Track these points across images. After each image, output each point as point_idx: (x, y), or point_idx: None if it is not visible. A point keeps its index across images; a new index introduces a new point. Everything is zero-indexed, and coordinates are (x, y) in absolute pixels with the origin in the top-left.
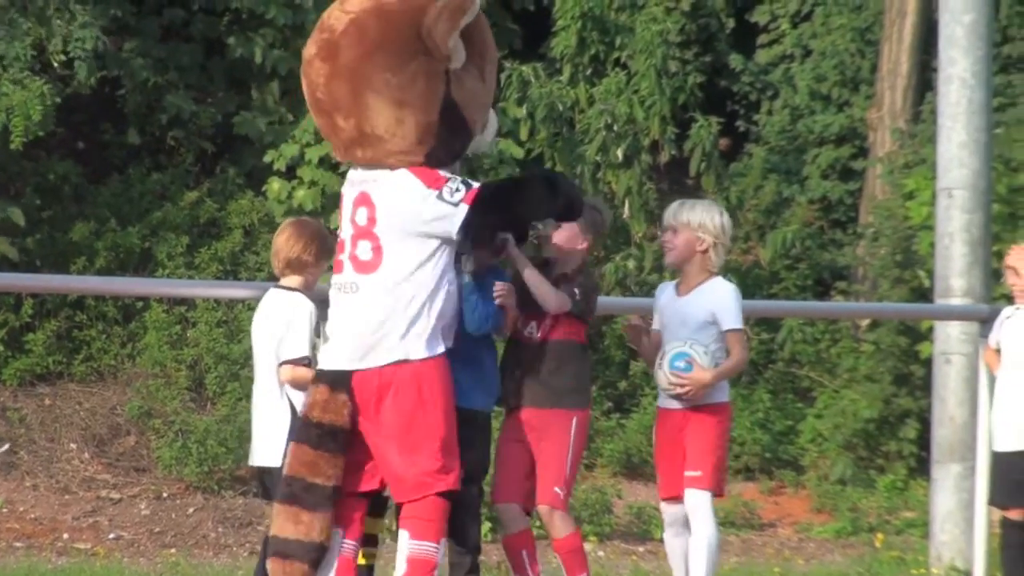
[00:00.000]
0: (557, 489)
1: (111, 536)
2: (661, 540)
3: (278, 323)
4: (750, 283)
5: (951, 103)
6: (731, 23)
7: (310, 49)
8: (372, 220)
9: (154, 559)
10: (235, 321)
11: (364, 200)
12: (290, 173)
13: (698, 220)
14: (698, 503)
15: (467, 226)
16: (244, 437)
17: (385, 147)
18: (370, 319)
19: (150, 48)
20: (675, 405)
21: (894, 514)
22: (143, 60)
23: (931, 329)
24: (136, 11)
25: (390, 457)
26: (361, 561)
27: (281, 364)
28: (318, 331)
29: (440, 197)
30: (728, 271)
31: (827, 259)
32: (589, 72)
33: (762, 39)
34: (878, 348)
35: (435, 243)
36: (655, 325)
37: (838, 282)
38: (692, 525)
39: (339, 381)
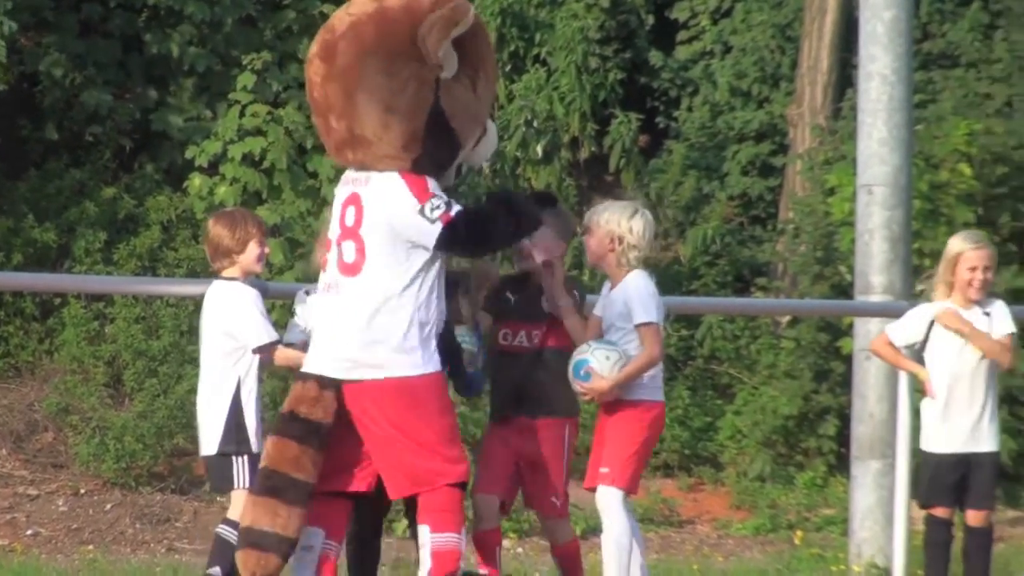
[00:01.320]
0: (554, 499)
1: (28, 532)
2: (580, 536)
3: (222, 315)
4: (670, 279)
5: (871, 99)
6: (651, 20)
7: (313, 48)
8: (359, 221)
9: (72, 556)
10: (153, 317)
11: (353, 200)
12: (212, 169)
13: (606, 220)
14: (607, 501)
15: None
16: (162, 433)
17: (373, 151)
18: (353, 323)
19: (68, 44)
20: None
21: (813, 511)
22: (61, 56)
23: (851, 325)
24: (54, 6)
25: (394, 458)
26: None
27: (255, 352)
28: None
29: (421, 211)
30: (648, 267)
31: (747, 255)
32: (509, 68)
33: (682, 36)
34: (798, 344)
35: (420, 253)
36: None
37: (758, 278)
38: (603, 523)
39: (329, 383)
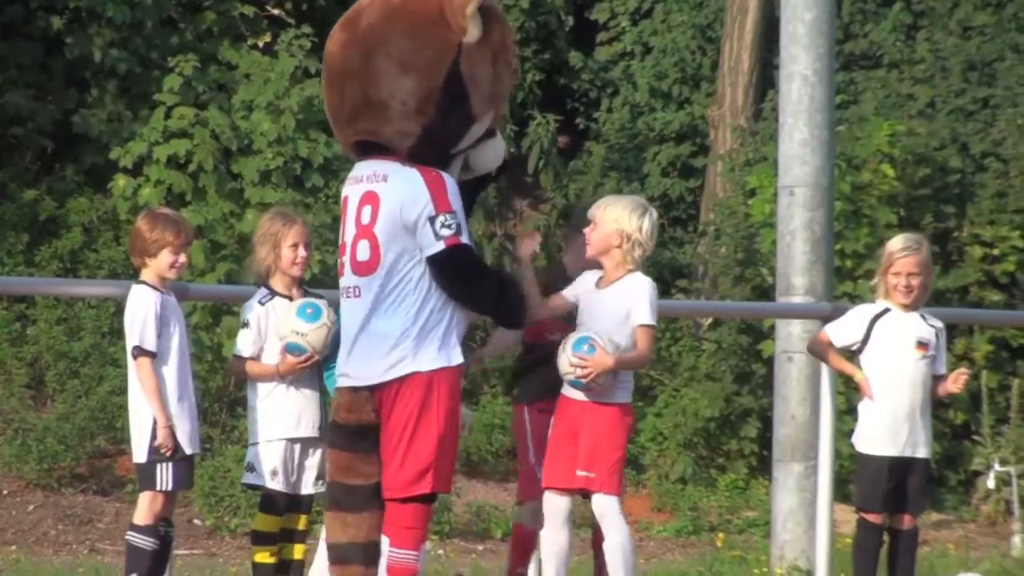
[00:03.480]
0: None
1: None
2: (501, 539)
3: (125, 317)
4: None
5: (792, 100)
6: (570, 21)
7: (335, 26)
8: (374, 219)
9: None
10: (75, 319)
11: (370, 199)
12: (136, 171)
13: (614, 216)
14: (607, 508)
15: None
16: (84, 435)
17: (386, 114)
18: (377, 327)
19: None
20: (578, 396)
21: (735, 513)
22: None
23: (773, 327)
24: None
25: (386, 455)
26: (298, 556)
27: (133, 355)
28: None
29: (432, 220)
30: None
31: (668, 257)
32: None
33: (602, 36)
34: (719, 347)
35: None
36: (570, 298)
37: (679, 280)
38: (604, 530)
39: (362, 387)
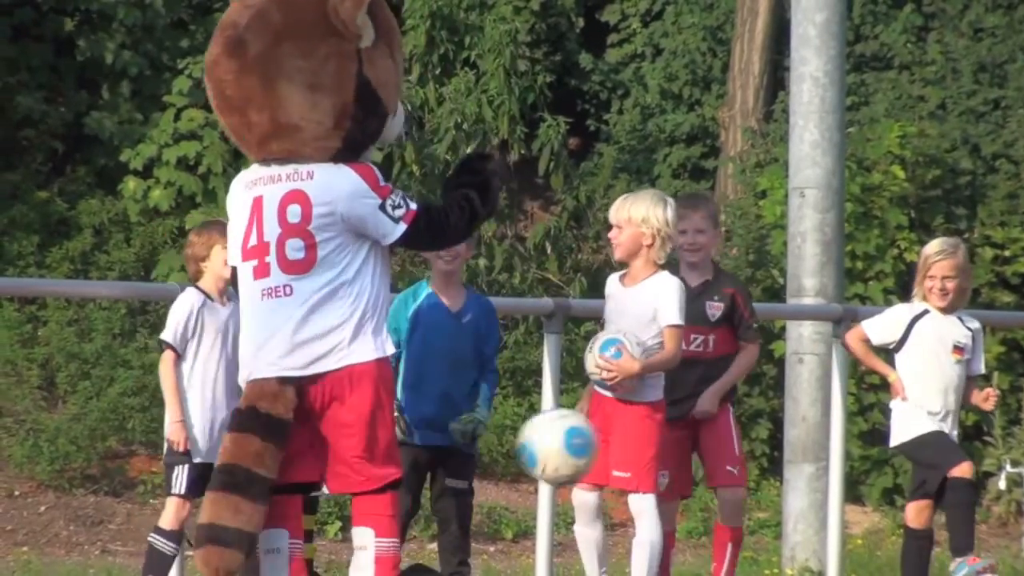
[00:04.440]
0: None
1: None
2: (512, 540)
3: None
4: (601, 283)
5: (803, 102)
6: (581, 22)
7: (214, 50)
8: (307, 217)
9: (6, 557)
10: (86, 320)
11: (297, 197)
12: (146, 173)
13: (641, 215)
14: (643, 507)
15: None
16: (95, 436)
17: (301, 135)
18: (312, 321)
19: (0, 48)
20: (608, 393)
21: (747, 514)
22: None
23: (784, 329)
24: None
25: (346, 451)
26: (309, 555)
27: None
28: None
29: (383, 208)
30: (578, 270)
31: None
32: (439, 71)
33: (612, 38)
34: None
35: (369, 242)
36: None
37: None
38: (638, 528)
39: (289, 380)
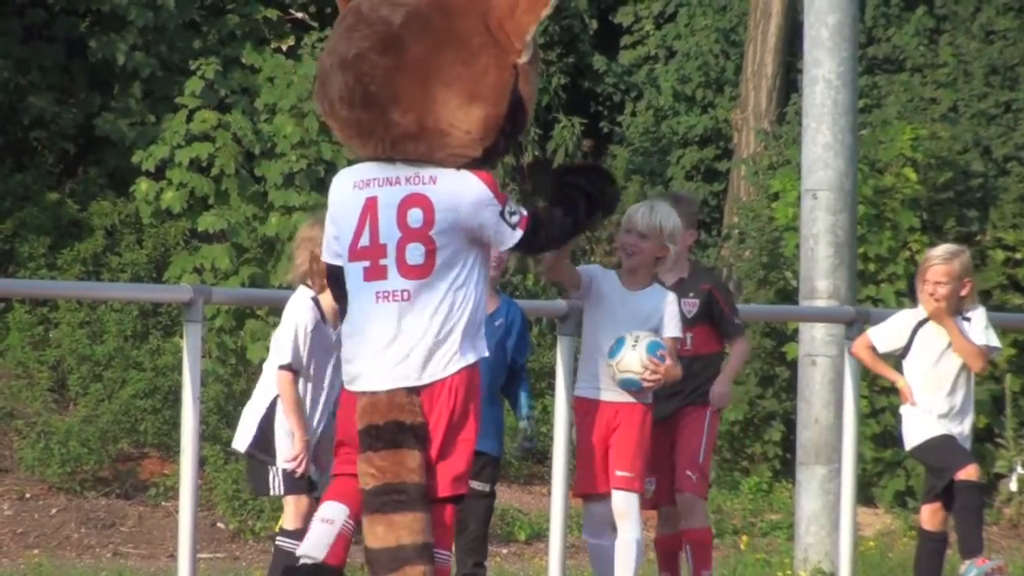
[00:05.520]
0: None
1: None
2: (525, 542)
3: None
4: None
5: (816, 104)
6: (594, 24)
7: (359, 44)
8: (429, 222)
9: (17, 560)
10: (98, 322)
11: (419, 201)
12: (158, 174)
13: (669, 229)
14: (630, 506)
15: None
16: (107, 438)
17: (445, 141)
18: (432, 328)
19: (12, 48)
20: (610, 397)
21: (759, 516)
22: (4, 61)
23: (796, 331)
24: None
25: (448, 455)
26: None
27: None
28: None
29: (503, 215)
30: None
31: (691, 260)
32: None
33: (626, 40)
34: None
35: (480, 246)
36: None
37: None
38: (621, 527)
39: (411, 389)
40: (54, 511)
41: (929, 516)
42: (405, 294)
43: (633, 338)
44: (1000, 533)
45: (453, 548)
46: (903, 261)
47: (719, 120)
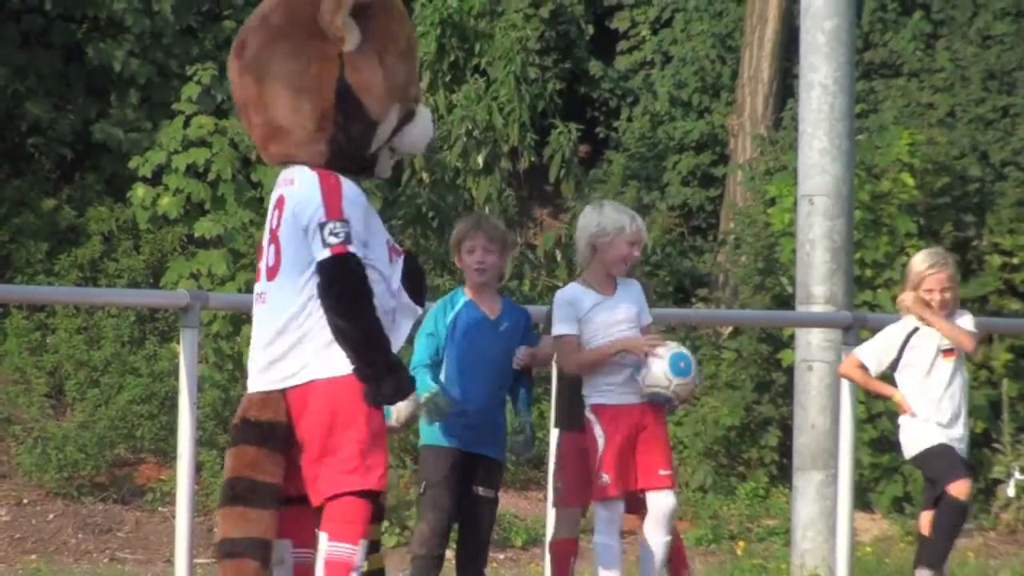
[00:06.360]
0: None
1: None
2: (522, 547)
3: None
4: None
5: (812, 109)
6: (591, 30)
7: (230, 54)
8: (279, 223)
9: (15, 565)
10: (95, 328)
11: (280, 202)
12: (155, 180)
13: (645, 228)
14: (674, 505)
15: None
16: (104, 444)
17: (291, 139)
18: (286, 330)
19: (9, 54)
20: (634, 400)
21: (755, 522)
22: (1, 67)
23: (793, 336)
24: None
25: (314, 463)
26: (377, 566)
27: None
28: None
29: (322, 227)
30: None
31: (687, 266)
32: (448, 79)
33: (622, 46)
34: (739, 355)
35: None
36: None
37: (699, 289)
38: (666, 526)
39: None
40: (51, 516)
41: (928, 523)
42: (263, 296)
43: (665, 349)
44: (997, 539)
45: (361, 543)
46: (900, 266)
47: (715, 125)
